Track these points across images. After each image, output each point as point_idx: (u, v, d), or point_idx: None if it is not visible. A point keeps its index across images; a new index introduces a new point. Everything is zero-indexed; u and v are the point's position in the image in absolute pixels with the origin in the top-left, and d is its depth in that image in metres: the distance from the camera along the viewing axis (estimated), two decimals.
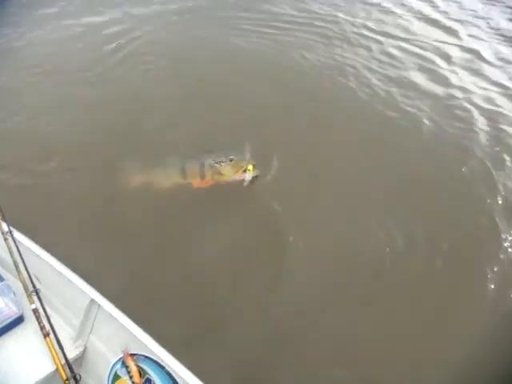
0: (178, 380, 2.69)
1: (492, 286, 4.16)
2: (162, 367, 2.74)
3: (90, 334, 3.12)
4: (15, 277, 3.16)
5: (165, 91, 6.51)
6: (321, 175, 5.26)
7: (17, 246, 3.22)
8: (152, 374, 2.78)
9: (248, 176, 4.96)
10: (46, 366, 2.94)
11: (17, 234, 3.38)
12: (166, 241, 4.51)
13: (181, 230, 4.58)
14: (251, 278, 4.24)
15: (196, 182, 5.05)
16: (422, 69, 7.36)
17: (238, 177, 5.00)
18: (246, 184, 5.00)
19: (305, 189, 5.09)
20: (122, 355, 2.87)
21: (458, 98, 6.65)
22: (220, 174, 5.03)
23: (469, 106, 6.50)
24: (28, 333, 3.09)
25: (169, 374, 2.71)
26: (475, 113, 6.35)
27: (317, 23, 8.32)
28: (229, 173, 5.02)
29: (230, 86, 6.53)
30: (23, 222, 3.66)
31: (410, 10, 9.13)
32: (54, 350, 2.89)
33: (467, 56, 7.69)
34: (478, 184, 5.20)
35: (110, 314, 2.96)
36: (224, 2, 9.07)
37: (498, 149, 5.72)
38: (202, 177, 5.07)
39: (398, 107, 6.37)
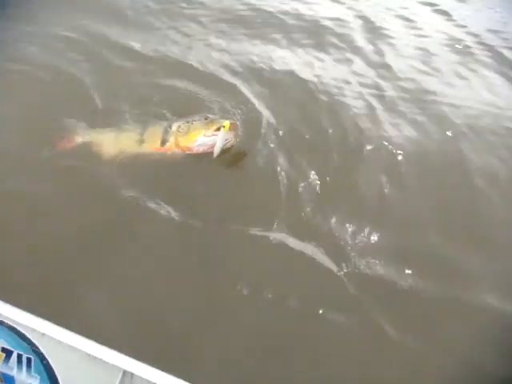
0: None
1: None
2: None
3: None
4: None
5: None
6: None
7: None
8: None
9: (221, 136, 3.60)
10: None
11: None
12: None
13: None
14: None
15: (153, 147, 3.83)
16: None
17: (207, 138, 3.69)
18: (217, 151, 3.65)
19: None
20: None
21: None
22: (185, 134, 3.77)
23: None
24: None
25: None
26: None
27: None
28: (196, 131, 3.73)
29: None
30: None
31: None
32: None
33: None
34: None
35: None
36: None
37: None
38: (164, 142, 3.82)
39: None
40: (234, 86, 4.75)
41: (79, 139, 4.01)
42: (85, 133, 4.04)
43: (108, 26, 5.55)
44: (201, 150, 3.78)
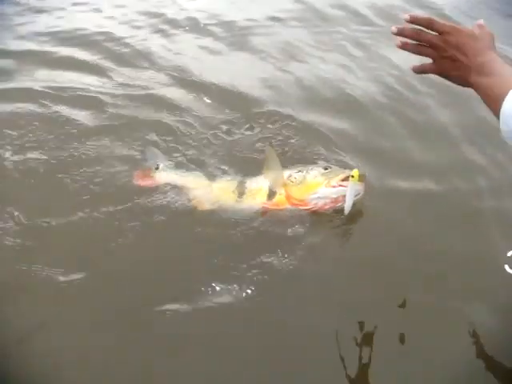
0: None
1: None
2: None
3: None
4: None
5: None
6: None
7: None
8: None
9: (351, 188, 2.86)
10: None
11: None
12: None
13: None
14: None
15: (260, 204, 3.10)
16: None
17: (331, 189, 2.96)
18: (348, 207, 2.89)
19: None
20: None
21: None
22: (300, 184, 3.06)
23: None
24: None
25: None
26: None
27: None
28: (316, 181, 3.03)
29: None
30: None
31: None
32: None
33: None
34: None
35: None
36: None
37: None
38: (271, 195, 3.12)
39: None
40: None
41: (162, 179, 3.32)
42: (170, 173, 3.36)
43: None
44: (319, 204, 3.03)
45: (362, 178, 2.95)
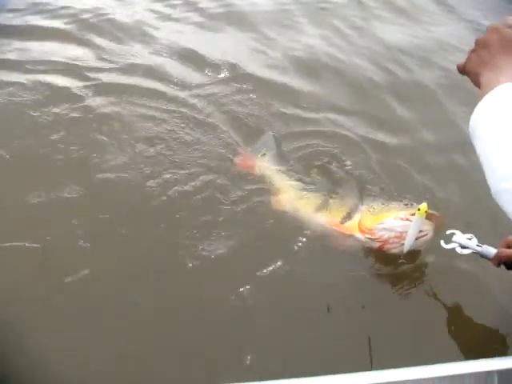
0: None
1: None
2: None
3: None
4: None
5: None
6: None
7: None
8: None
9: (416, 223, 2.61)
10: None
11: None
12: None
13: None
14: None
15: (332, 223, 3.05)
16: None
17: (397, 222, 2.75)
18: (408, 244, 2.67)
19: None
20: None
21: None
22: (373, 214, 2.92)
23: None
24: None
25: None
26: None
27: None
28: (387, 213, 2.85)
29: None
30: None
31: None
32: None
33: None
34: None
35: None
36: None
37: None
38: (346, 219, 3.05)
39: None
40: None
41: (259, 168, 3.49)
42: (268, 165, 3.52)
43: None
44: (385, 237, 2.81)
45: (431, 217, 2.66)
